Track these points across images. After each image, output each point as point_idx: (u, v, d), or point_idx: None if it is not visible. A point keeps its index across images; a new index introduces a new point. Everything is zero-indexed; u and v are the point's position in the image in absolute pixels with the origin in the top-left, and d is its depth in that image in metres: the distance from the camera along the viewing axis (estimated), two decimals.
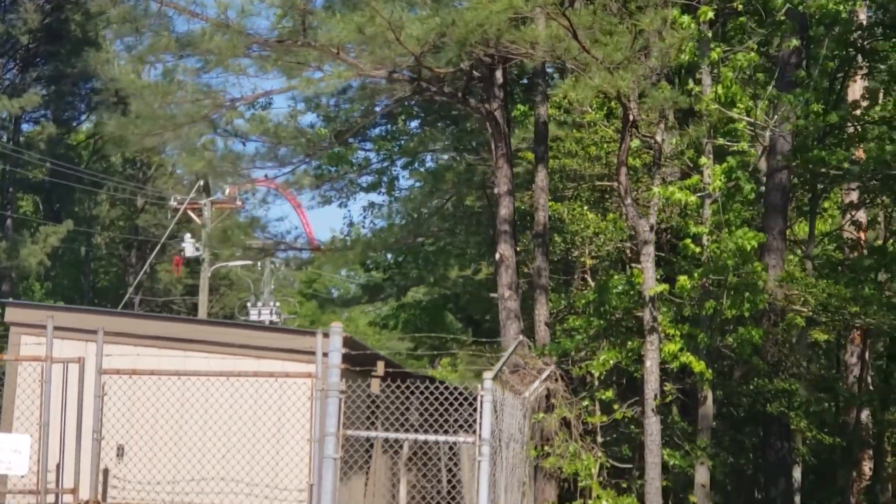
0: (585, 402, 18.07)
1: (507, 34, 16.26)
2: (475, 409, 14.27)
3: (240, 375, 14.10)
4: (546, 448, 17.36)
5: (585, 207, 21.42)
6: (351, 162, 27.26)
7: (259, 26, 18.43)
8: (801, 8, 18.63)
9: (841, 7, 18.10)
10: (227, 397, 14.38)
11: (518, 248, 20.80)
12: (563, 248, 21.93)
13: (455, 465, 20.23)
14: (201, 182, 51.58)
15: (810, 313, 19.66)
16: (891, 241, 24.91)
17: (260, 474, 14.33)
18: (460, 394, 14.14)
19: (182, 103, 18.11)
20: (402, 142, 28.22)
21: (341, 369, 13.22)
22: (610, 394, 18.10)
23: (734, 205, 17.35)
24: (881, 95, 23.68)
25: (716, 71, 17.91)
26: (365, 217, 30.86)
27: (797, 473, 21.81)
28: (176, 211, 53.86)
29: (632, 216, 17.74)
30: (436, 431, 15.50)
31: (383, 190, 28.75)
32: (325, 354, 13.35)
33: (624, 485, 18.94)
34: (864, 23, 22.70)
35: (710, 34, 18.34)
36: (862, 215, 25.11)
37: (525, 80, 26.93)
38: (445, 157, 29.99)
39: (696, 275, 17.55)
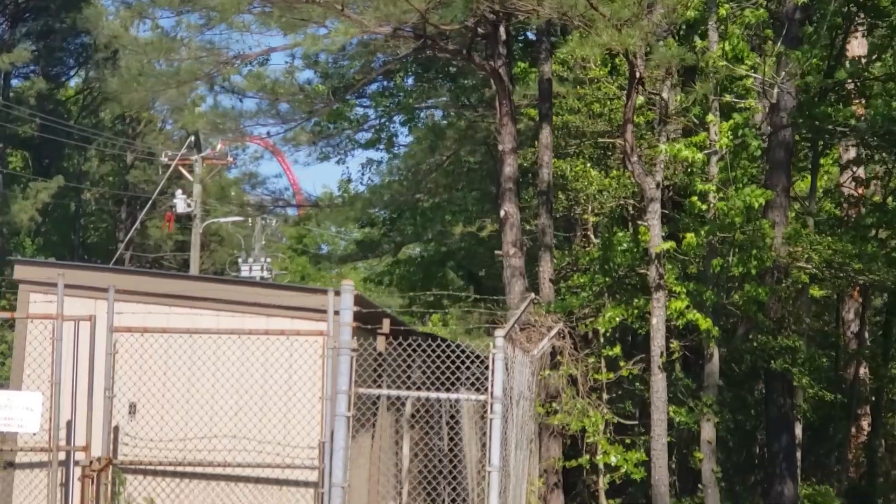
0: (591, 359, 18.10)
1: None
2: (478, 367, 14.29)
3: (251, 333, 14.09)
4: (555, 405, 17.41)
5: (588, 164, 21.36)
6: (349, 118, 27.13)
7: None
8: None
9: None
10: (238, 355, 14.36)
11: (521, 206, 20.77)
12: (565, 206, 21.89)
13: (456, 422, 20.32)
14: (192, 138, 51.33)
15: (814, 270, 19.69)
16: (890, 197, 24.91)
17: (272, 432, 14.32)
18: (462, 351, 14.13)
19: (185, 60, 17.94)
20: (400, 98, 28.07)
21: (353, 327, 13.25)
22: (617, 350, 18.16)
23: (741, 162, 17.30)
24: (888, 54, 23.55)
25: (723, 27, 17.83)
26: (363, 173, 30.75)
27: (798, 430, 21.90)
28: (167, 167, 53.60)
29: (638, 174, 17.72)
30: (437, 389, 15.53)
31: (382, 146, 28.66)
32: (336, 312, 13.32)
33: (628, 441, 19.01)
34: None
35: None
36: (860, 172, 25.10)
37: (523, 38, 26.83)
38: (439, 113, 29.95)
39: (702, 232, 17.54)
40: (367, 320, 14.62)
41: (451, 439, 20.34)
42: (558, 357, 17.93)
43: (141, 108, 31.21)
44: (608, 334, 18.67)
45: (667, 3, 16.45)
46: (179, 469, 14.20)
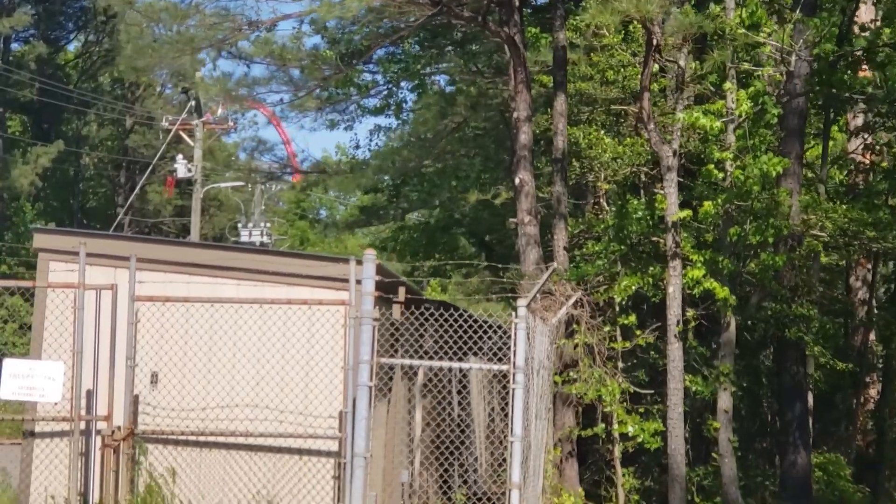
0: (607, 328, 18.08)
1: None
2: (492, 336, 14.27)
3: (273, 303, 14.06)
4: (572, 374, 17.40)
5: (602, 132, 21.29)
6: (357, 84, 26.99)
7: None
8: None
9: None
10: (258, 324, 14.34)
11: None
12: (577, 173, 21.83)
13: (464, 388, 20.34)
14: (192, 102, 51.15)
15: (827, 238, 19.67)
16: None
17: (293, 401, 14.31)
18: (475, 321, 14.10)
19: (200, 27, 17.82)
20: (408, 64, 27.91)
21: (375, 297, 13.22)
22: (633, 319, 18.12)
23: (759, 130, 17.23)
24: None
25: None
26: (371, 140, 30.61)
27: (809, 399, 21.93)
28: (166, 132, 53.43)
29: (655, 141, 17.67)
30: (450, 358, 15.53)
31: (390, 113, 28.53)
32: (358, 282, 13.29)
33: (641, 410, 19.02)
34: None
35: None
36: (870, 139, 25.04)
37: (533, 3, 26.68)
38: (442, 80, 29.83)
39: (719, 200, 17.50)
40: (383, 289, 14.60)
41: (462, 407, 20.40)
42: (574, 325, 17.90)
43: (154, 74, 30.96)
44: (623, 303, 18.62)
45: None
46: (202, 439, 14.20)
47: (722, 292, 17.09)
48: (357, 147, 30.73)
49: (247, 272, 14.53)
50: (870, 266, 25.41)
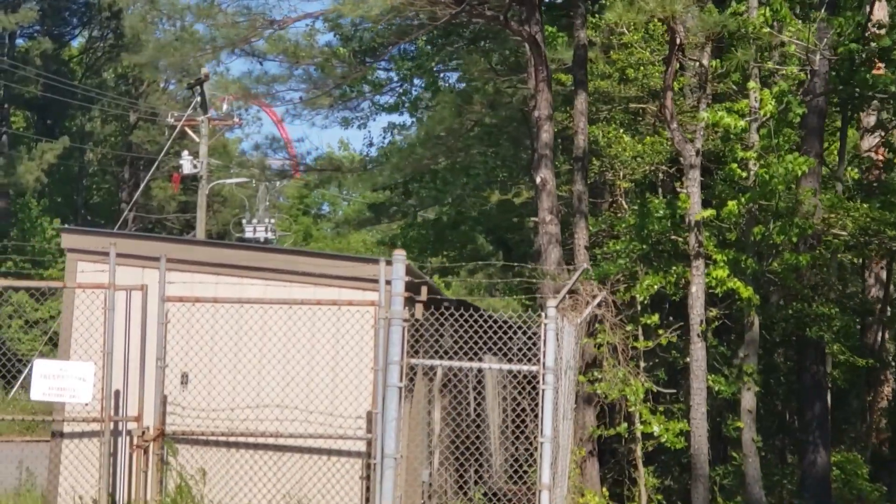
0: (629, 327, 18.07)
1: None
2: (510, 337, 14.23)
3: (303, 304, 14.02)
4: (596, 374, 17.39)
5: (621, 130, 21.27)
6: (371, 82, 26.95)
7: None
8: None
9: None
10: (285, 325, 14.31)
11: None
12: (596, 172, 21.81)
13: (481, 385, 20.35)
14: (198, 98, 51.06)
15: (848, 237, 19.66)
16: None
17: (321, 402, 14.29)
18: (495, 321, 14.08)
19: (223, 25, 17.78)
20: (422, 62, 27.87)
21: (404, 297, 13.21)
22: (655, 319, 18.11)
23: (784, 129, 17.21)
24: None
25: None
26: (385, 137, 30.55)
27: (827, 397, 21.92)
28: (172, 128, 53.37)
29: (678, 140, 17.65)
30: (470, 358, 15.54)
31: (405, 110, 28.47)
32: (387, 282, 13.26)
33: (661, 409, 19.01)
34: None
35: None
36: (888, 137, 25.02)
37: (549, 1, 26.61)
38: (452, 77, 29.78)
39: (743, 199, 17.49)
40: (407, 288, 14.58)
41: (479, 404, 20.41)
42: (596, 325, 17.89)
43: (174, 73, 30.93)
44: (645, 302, 18.61)
45: None
46: (231, 439, 14.18)
47: (746, 292, 17.09)
48: (371, 145, 30.66)
49: (275, 272, 14.50)
50: (883, 264, 25.40)
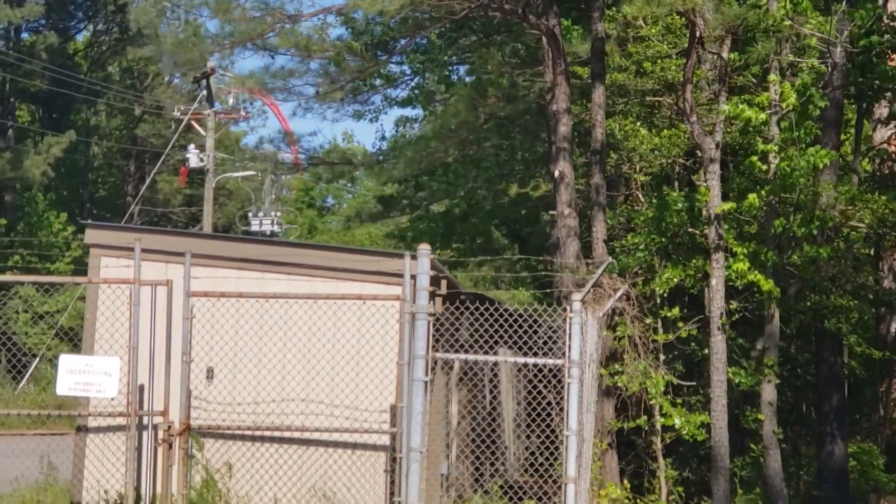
0: (648, 320, 18.06)
1: None
2: (534, 331, 14.22)
3: (328, 298, 14.00)
4: (616, 366, 17.39)
5: (638, 123, 21.24)
6: (385, 76, 26.93)
7: None
8: None
9: None
10: (308, 319, 14.30)
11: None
12: (613, 165, 21.78)
13: (496, 377, 20.37)
14: (204, 92, 51.05)
15: (866, 228, 19.65)
16: None
17: (344, 396, 14.30)
18: (511, 314, 14.07)
19: (240, 20, 17.76)
20: (432, 55, 27.84)
21: (428, 291, 13.21)
22: (676, 312, 18.09)
23: (805, 122, 17.20)
24: None
25: None
26: (397, 131, 30.52)
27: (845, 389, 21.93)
28: (178, 121, 53.35)
29: (697, 133, 17.64)
30: (486, 353, 15.54)
31: (417, 104, 28.43)
32: (412, 277, 13.25)
33: (679, 401, 19.00)
34: None
35: None
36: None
37: None
38: (462, 70, 29.73)
39: (763, 192, 17.47)
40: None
41: (494, 397, 20.43)
42: (616, 318, 17.88)
43: (189, 68, 30.94)
44: (664, 295, 18.60)
45: None
46: (256, 433, 14.19)
47: (767, 285, 17.09)
48: (383, 138, 30.62)
49: (298, 267, 14.49)
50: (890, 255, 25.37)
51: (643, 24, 20.30)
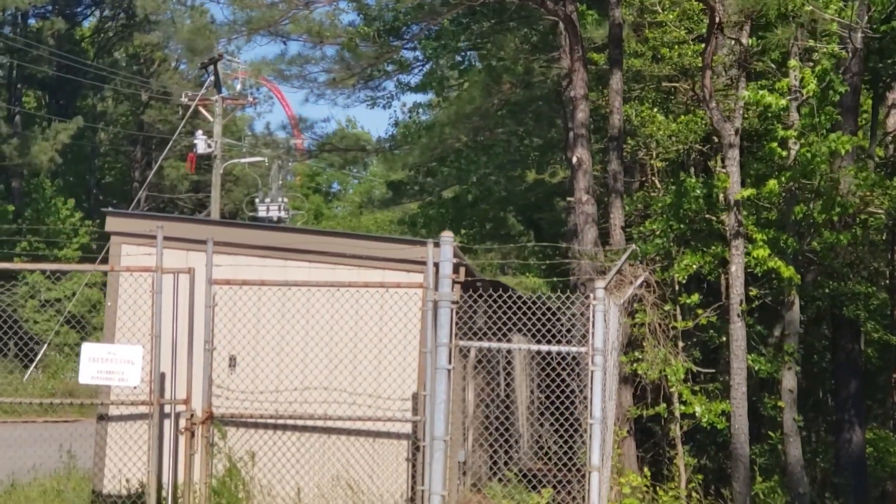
0: (667, 307, 17.99)
1: None
2: (541, 317, 14.13)
3: (350, 286, 13.95)
4: (636, 353, 17.34)
5: (655, 109, 21.15)
6: (398, 62, 26.83)
7: None
8: None
9: None
10: (329, 307, 14.26)
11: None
12: (628, 151, 21.69)
13: (510, 364, 20.33)
14: (211, 77, 50.97)
15: (884, 215, 19.57)
16: None
17: (366, 384, 14.26)
18: (524, 302, 13.99)
19: (258, 7, 17.69)
20: (446, 42, 27.71)
21: (452, 279, 13.14)
22: (695, 298, 18.01)
23: (826, 108, 17.11)
24: None
25: None
26: (409, 117, 30.40)
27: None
28: (185, 107, 53.31)
29: (716, 119, 17.53)
30: (499, 340, 15.48)
31: (431, 90, 28.32)
32: (435, 264, 13.19)
33: (697, 388, 18.95)
34: None
35: None
36: None
37: None
38: (475, 56, 29.59)
39: (783, 178, 17.40)
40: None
41: (507, 384, 20.40)
42: (635, 305, 17.82)
43: (207, 54, 30.87)
44: (682, 281, 18.53)
45: None
46: (279, 422, 14.16)
47: (787, 271, 17.01)
48: (396, 124, 30.52)
49: (320, 255, 14.45)
50: None
51: (660, 10, 20.18)
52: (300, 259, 14.51)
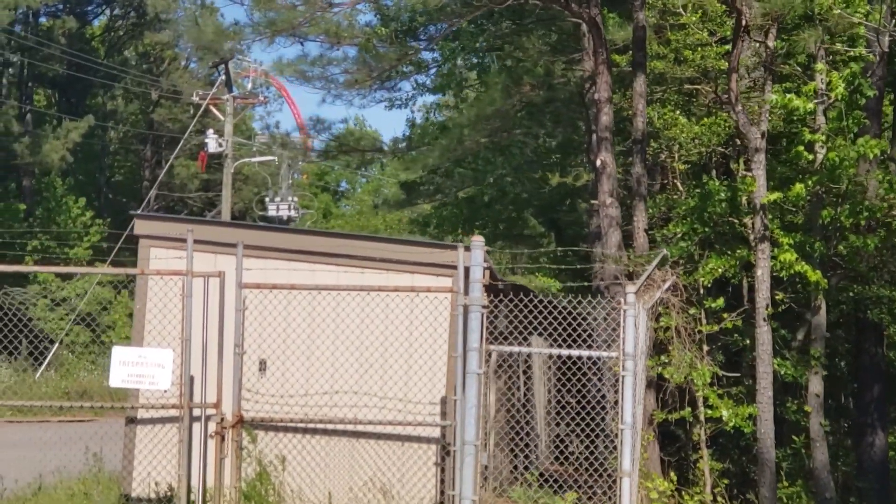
0: (692, 310, 17.94)
1: None
2: (558, 321, 14.07)
3: (380, 290, 13.91)
4: (663, 358, 17.29)
5: (677, 111, 21.10)
6: (417, 62, 26.79)
7: None
8: None
9: None
10: (358, 311, 14.24)
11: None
12: (650, 154, 21.63)
13: (529, 367, 20.30)
14: (222, 76, 50.99)
15: None
16: None
17: (395, 388, 14.23)
18: (545, 306, 13.93)
19: (281, 8, 17.66)
20: (464, 43, 27.68)
21: (483, 284, 13.10)
22: (720, 302, 17.97)
23: (853, 112, 17.05)
24: None
25: None
26: (427, 118, 30.34)
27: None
28: (196, 106, 53.36)
29: (742, 123, 17.49)
30: (519, 344, 15.44)
31: (449, 92, 28.26)
32: (466, 269, 13.15)
33: (720, 392, 18.90)
34: None
35: None
36: None
37: None
38: (492, 57, 29.56)
39: (810, 182, 17.35)
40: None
41: (527, 388, 20.37)
42: (659, 308, 17.77)
43: (229, 56, 30.85)
44: (707, 285, 18.47)
45: None
46: (309, 426, 14.13)
47: (814, 276, 16.95)
48: (413, 126, 30.46)
49: (349, 258, 14.42)
50: None
51: (682, 12, 20.12)
52: (329, 262, 14.48)
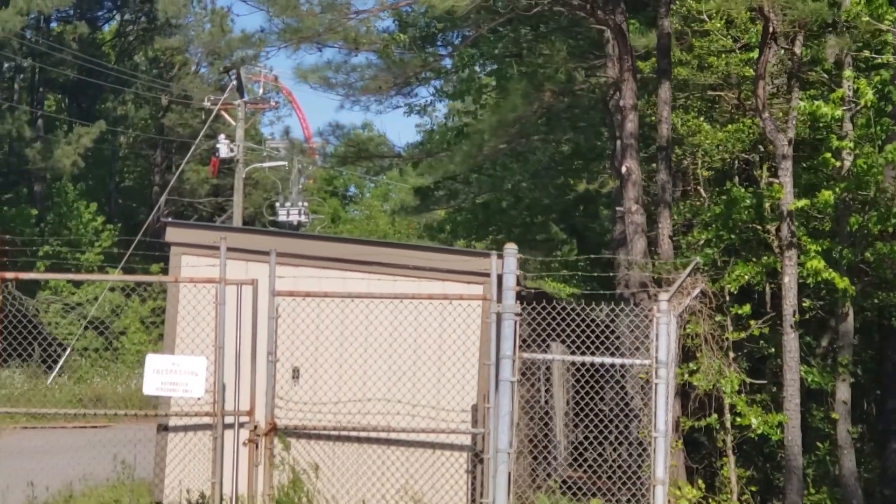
0: (719, 317, 17.92)
1: None
2: (584, 328, 14.05)
3: (413, 298, 13.88)
4: (691, 365, 17.27)
5: (701, 118, 21.08)
6: (436, 68, 26.78)
7: None
8: None
9: None
10: (394, 319, 14.22)
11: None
12: (674, 161, 21.61)
13: (549, 373, 20.27)
14: (234, 82, 51.04)
15: None
16: None
17: (428, 395, 14.22)
18: (567, 312, 13.88)
19: (307, 16, 17.66)
20: (483, 48, 27.67)
21: (515, 291, 13.10)
22: (747, 309, 17.95)
23: (882, 119, 17.04)
24: None
25: None
26: (446, 123, 30.34)
27: None
28: (207, 111, 53.38)
29: (769, 130, 17.49)
30: (542, 351, 15.40)
31: (468, 98, 28.24)
32: (498, 276, 13.15)
33: (745, 399, 18.86)
34: None
35: None
36: None
37: None
38: (509, 62, 29.52)
39: (838, 189, 17.33)
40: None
41: (548, 391, 20.34)
42: (686, 315, 17.75)
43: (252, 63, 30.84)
44: (733, 292, 18.46)
45: None
46: (343, 434, 14.13)
47: (842, 283, 16.94)
48: (432, 131, 30.47)
49: (381, 266, 14.41)
50: None
51: (706, 19, 20.11)
52: (360, 270, 14.47)
